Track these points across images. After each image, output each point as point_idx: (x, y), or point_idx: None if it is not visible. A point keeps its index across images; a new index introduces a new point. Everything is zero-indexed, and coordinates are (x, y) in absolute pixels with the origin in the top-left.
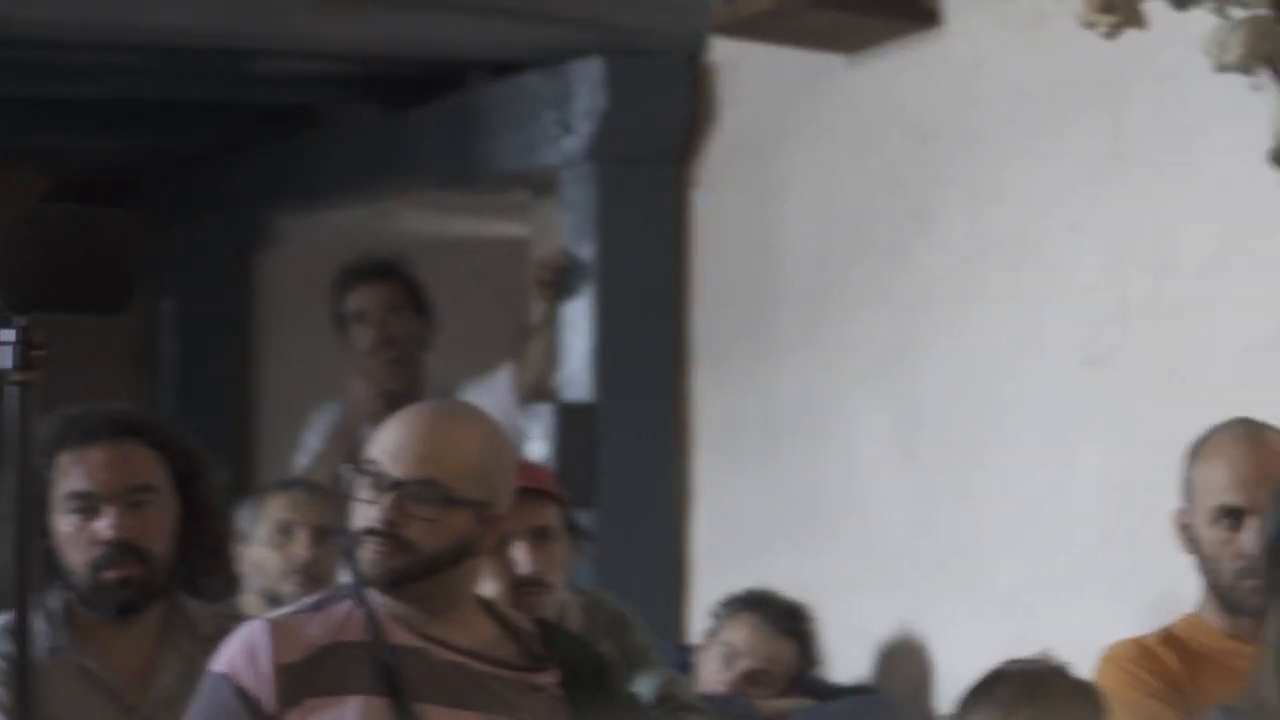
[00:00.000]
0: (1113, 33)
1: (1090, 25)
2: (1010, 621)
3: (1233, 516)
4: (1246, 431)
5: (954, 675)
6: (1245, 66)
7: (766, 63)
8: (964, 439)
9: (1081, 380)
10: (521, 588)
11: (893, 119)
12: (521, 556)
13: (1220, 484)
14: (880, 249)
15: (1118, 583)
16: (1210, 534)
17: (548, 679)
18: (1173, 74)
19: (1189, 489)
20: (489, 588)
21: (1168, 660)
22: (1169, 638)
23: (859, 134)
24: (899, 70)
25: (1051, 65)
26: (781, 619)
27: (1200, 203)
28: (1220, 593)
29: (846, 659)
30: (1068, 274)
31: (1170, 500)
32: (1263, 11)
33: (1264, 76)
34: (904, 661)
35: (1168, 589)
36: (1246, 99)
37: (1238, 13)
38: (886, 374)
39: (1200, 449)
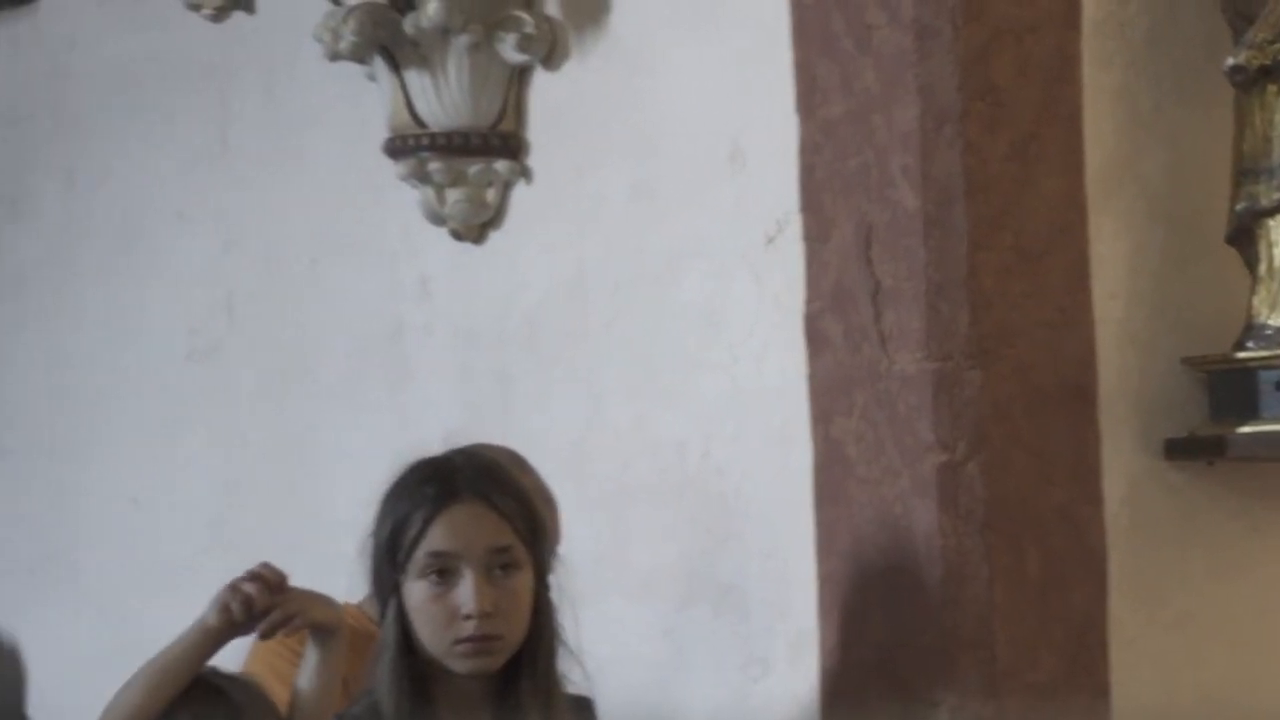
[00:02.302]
0: (219, 15)
1: (195, 7)
2: (110, 624)
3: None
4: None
5: (47, 678)
6: (359, 54)
7: None
8: (58, 434)
9: (186, 374)
10: None
11: None
12: None
13: None
14: None
15: (223, 582)
16: None
17: None
18: (284, 60)
19: None
20: None
21: None
22: None
23: None
24: None
25: (155, 47)
26: None
27: (312, 193)
28: None
29: None
30: (173, 263)
31: (278, 498)
32: None
33: (379, 65)
34: None
35: None
36: (361, 88)
37: None
38: None
39: None
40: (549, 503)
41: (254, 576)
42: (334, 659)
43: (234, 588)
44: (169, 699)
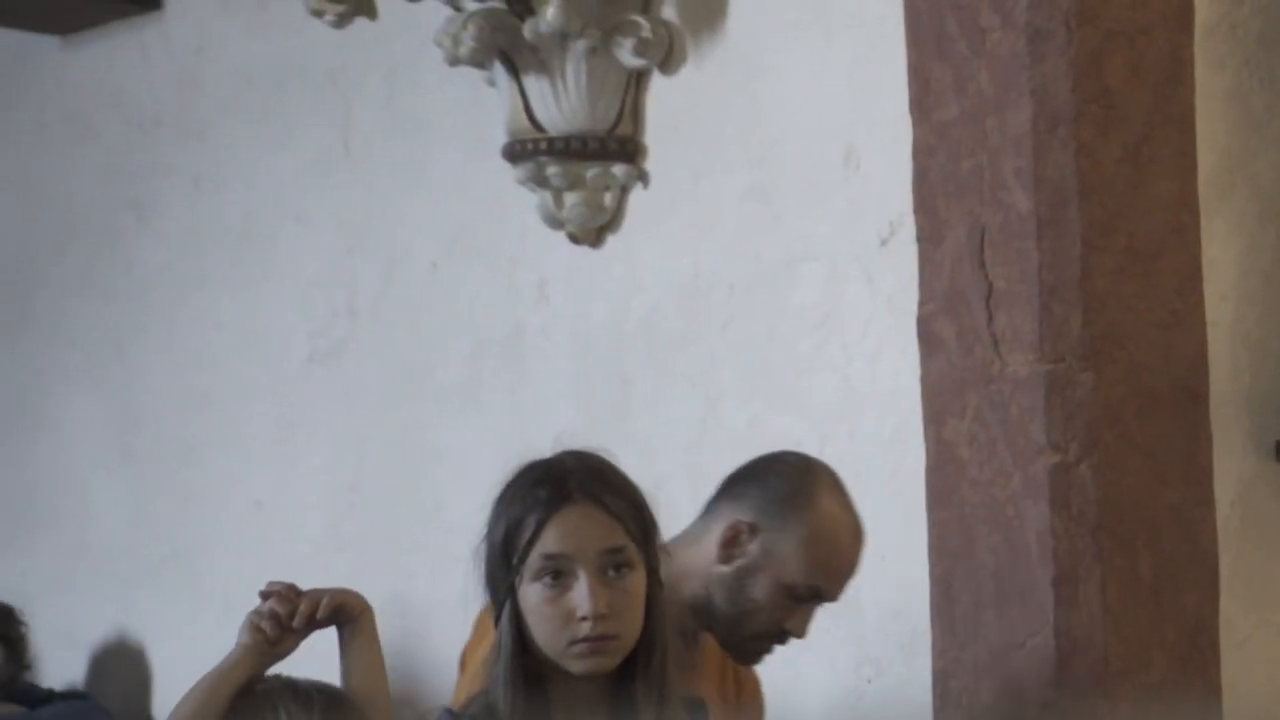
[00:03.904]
0: (341, 21)
1: (318, 13)
2: (230, 625)
3: (799, 599)
4: (856, 525)
5: (172, 679)
6: (478, 59)
7: None
8: (183, 436)
9: (308, 376)
10: None
11: (111, 105)
12: None
13: (812, 566)
14: (95, 239)
15: (345, 584)
16: (765, 589)
17: None
18: (404, 65)
19: (780, 529)
20: None
21: None
22: None
23: (74, 119)
24: (118, 54)
25: (278, 53)
26: None
27: (432, 197)
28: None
29: (59, 663)
30: (295, 267)
31: (398, 500)
32: (496, 4)
33: (498, 70)
34: (120, 666)
35: (396, 590)
36: (480, 92)
37: (470, 5)
38: (102, 368)
39: (812, 511)
40: (858, 534)
41: (267, 594)
42: (367, 643)
43: (256, 611)
44: (217, 714)
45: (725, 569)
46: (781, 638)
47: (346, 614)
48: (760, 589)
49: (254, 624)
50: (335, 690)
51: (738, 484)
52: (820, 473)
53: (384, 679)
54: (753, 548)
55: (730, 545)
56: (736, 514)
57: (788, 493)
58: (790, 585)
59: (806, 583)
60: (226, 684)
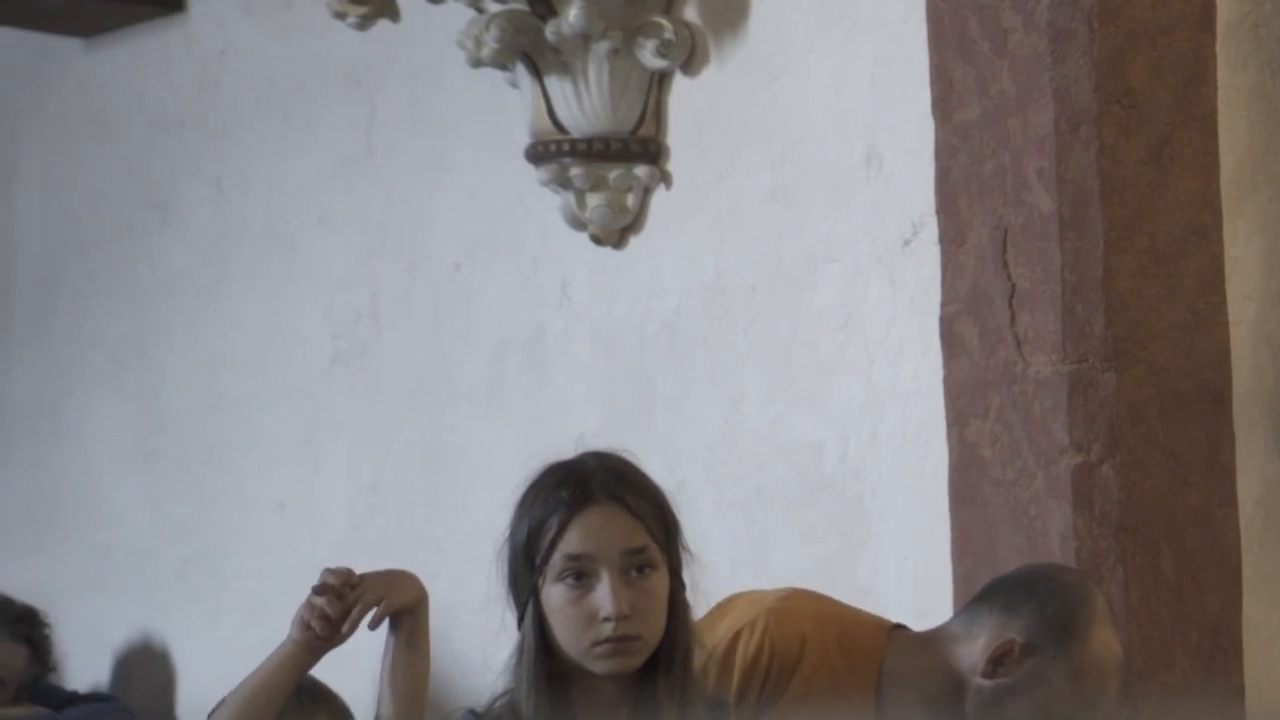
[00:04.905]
0: (364, 23)
1: (341, 15)
2: (253, 626)
3: None
4: (1121, 658)
5: (195, 681)
6: (501, 61)
7: None
8: (206, 438)
9: (331, 378)
10: None
11: (134, 106)
12: None
13: (1076, 697)
14: (119, 240)
15: None
16: (1022, 712)
17: None
18: (427, 67)
19: (1053, 656)
20: None
21: None
22: None
23: (97, 121)
24: (141, 56)
25: (301, 55)
26: (12, 623)
27: (454, 198)
28: None
29: (83, 665)
30: (317, 268)
31: (420, 501)
32: (519, 5)
33: (520, 71)
34: (144, 667)
35: None
36: (502, 94)
37: (493, 6)
38: (125, 369)
39: (1087, 643)
40: (1121, 669)
41: (322, 588)
42: (418, 638)
43: (309, 604)
44: (270, 715)
45: (987, 683)
46: None
47: (404, 610)
48: (1018, 711)
49: (304, 621)
50: (310, 679)
51: (1012, 595)
52: (1097, 599)
53: (426, 677)
54: (1022, 670)
55: (999, 662)
56: (1009, 631)
57: (1066, 619)
58: (1049, 713)
59: (1065, 713)
60: (278, 680)
